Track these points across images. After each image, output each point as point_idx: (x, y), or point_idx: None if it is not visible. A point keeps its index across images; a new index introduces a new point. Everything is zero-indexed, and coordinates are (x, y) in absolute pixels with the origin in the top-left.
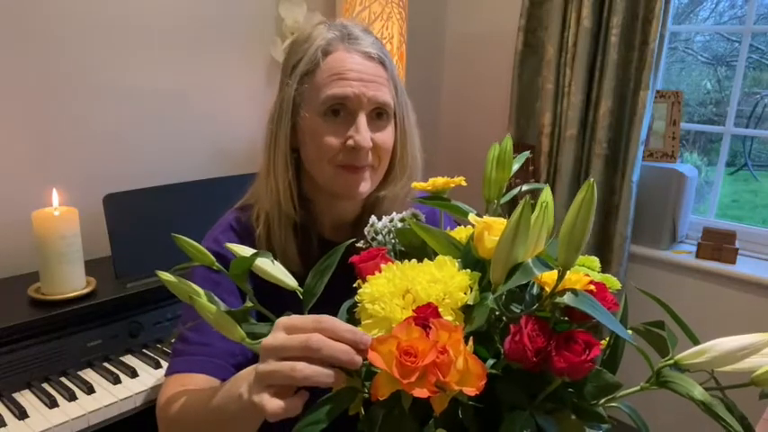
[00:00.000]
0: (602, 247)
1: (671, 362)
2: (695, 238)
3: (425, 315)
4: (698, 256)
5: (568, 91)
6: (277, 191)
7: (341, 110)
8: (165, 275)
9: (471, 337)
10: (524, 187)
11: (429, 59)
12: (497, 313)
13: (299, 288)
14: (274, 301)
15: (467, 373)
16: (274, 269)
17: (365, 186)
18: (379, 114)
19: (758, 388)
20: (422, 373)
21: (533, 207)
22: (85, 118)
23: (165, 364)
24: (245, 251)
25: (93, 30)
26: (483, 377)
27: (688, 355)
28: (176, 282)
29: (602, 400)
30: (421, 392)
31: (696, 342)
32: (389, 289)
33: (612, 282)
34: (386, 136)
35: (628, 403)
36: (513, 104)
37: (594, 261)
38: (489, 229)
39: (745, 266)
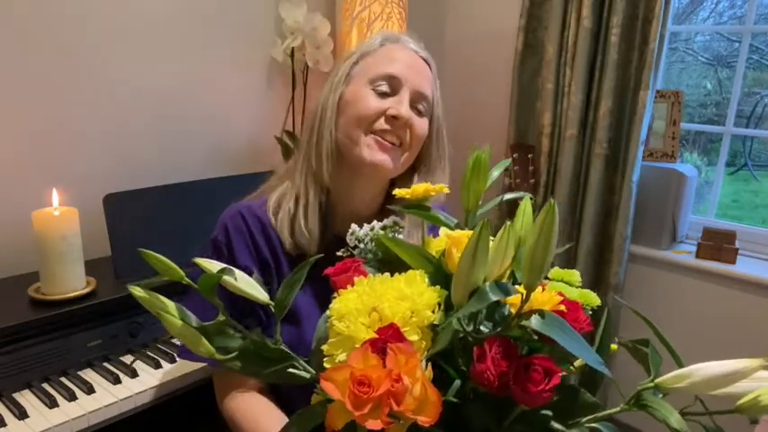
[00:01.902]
0: (602, 247)
1: (651, 385)
2: (695, 238)
3: (386, 337)
4: (698, 256)
5: (568, 91)
6: (318, 154)
7: (388, 87)
8: (137, 290)
9: (429, 363)
10: (506, 196)
11: None
12: (462, 335)
13: (270, 302)
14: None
15: (424, 401)
16: (244, 284)
17: (390, 161)
18: (418, 105)
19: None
20: (375, 404)
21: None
22: (86, 118)
23: (165, 364)
24: (213, 266)
25: (93, 30)
26: (439, 406)
27: (669, 378)
28: (147, 297)
29: (584, 420)
30: (374, 424)
31: (680, 364)
32: (357, 306)
33: (591, 298)
34: (421, 123)
35: (609, 424)
36: (513, 104)
37: (574, 275)
38: (458, 245)
39: (745, 266)
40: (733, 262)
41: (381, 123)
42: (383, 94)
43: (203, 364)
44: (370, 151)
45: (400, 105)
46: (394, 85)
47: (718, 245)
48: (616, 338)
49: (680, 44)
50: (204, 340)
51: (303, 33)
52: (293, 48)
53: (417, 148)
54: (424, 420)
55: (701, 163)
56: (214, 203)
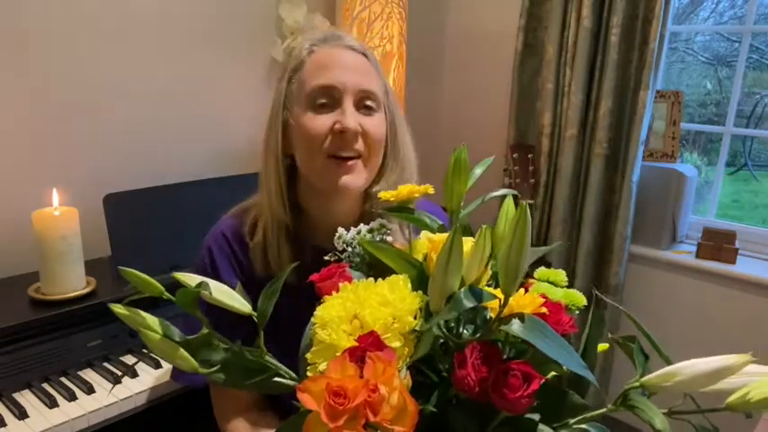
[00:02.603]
0: (602, 247)
1: (637, 385)
2: (695, 238)
3: (365, 345)
4: (698, 256)
5: (568, 91)
6: (269, 193)
7: (327, 99)
8: (119, 308)
9: (408, 371)
10: (488, 196)
11: (429, 59)
12: (442, 341)
13: (253, 312)
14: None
15: (402, 411)
16: (222, 295)
17: (356, 179)
18: (366, 103)
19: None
20: (351, 415)
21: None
22: (86, 118)
23: (165, 364)
24: (192, 280)
25: (93, 30)
26: (416, 415)
27: (656, 377)
28: (128, 314)
29: (572, 421)
30: None
31: (668, 362)
32: (339, 313)
33: (576, 298)
34: (375, 122)
35: (599, 424)
36: (513, 104)
37: (560, 274)
38: (437, 249)
39: (745, 266)
40: (733, 262)
41: (333, 141)
42: (324, 106)
43: None
44: (331, 175)
45: (344, 117)
46: (334, 96)
47: (718, 245)
48: (609, 335)
49: (680, 44)
50: (183, 353)
51: (303, 33)
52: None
53: (380, 150)
54: (401, 430)
55: (700, 163)
56: (214, 203)
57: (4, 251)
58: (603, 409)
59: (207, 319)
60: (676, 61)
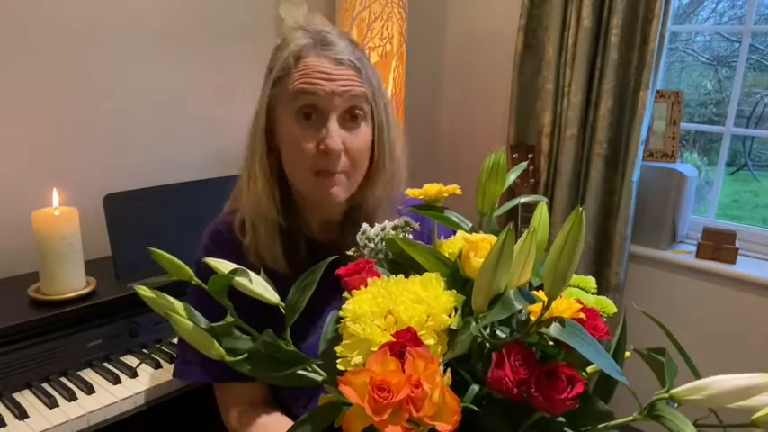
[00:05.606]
0: (603, 247)
1: (666, 396)
2: (695, 238)
3: (404, 341)
4: (698, 256)
5: (568, 91)
6: (257, 194)
7: (312, 113)
8: (144, 291)
9: (449, 369)
10: (522, 199)
11: (429, 59)
12: (479, 341)
13: (281, 303)
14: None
15: (443, 407)
16: (255, 285)
17: (339, 192)
18: (352, 115)
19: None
20: (395, 409)
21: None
22: (86, 118)
23: (165, 365)
24: (224, 266)
25: (93, 30)
26: (458, 412)
27: (685, 390)
28: (154, 297)
29: (599, 427)
30: (394, 429)
31: (697, 375)
32: (372, 308)
33: (607, 305)
34: (358, 138)
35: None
36: (513, 104)
37: (590, 281)
38: (476, 250)
39: (744, 266)
40: (733, 262)
41: (317, 159)
42: (309, 118)
43: None
44: (318, 189)
45: (329, 138)
46: (320, 109)
47: (719, 245)
48: (631, 346)
49: (680, 44)
50: (215, 343)
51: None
52: None
53: (363, 163)
54: (443, 427)
55: (700, 163)
56: (214, 203)
57: (4, 251)
58: (629, 417)
59: (204, 314)
60: (676, 61)
